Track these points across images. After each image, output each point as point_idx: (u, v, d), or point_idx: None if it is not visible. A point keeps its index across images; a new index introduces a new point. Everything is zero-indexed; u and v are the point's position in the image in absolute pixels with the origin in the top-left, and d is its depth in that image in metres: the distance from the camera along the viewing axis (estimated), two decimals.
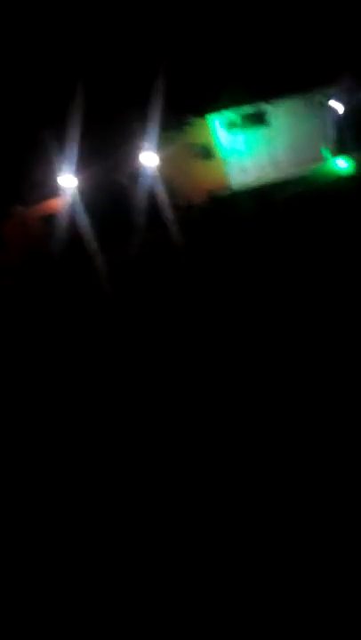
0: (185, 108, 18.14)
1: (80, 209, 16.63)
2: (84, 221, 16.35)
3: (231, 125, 19.35)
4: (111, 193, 17.10)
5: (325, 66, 16.41)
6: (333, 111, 17.48)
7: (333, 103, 17.33)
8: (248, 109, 19.19)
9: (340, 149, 16.55)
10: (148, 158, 17.56)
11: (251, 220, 12.99)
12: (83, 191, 16.85)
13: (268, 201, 14.44)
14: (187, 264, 10.25)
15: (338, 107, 16.94)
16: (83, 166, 16.52)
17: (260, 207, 14.12)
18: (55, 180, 16.76)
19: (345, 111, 16.50)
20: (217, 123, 19.28)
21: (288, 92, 17.90)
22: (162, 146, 17.82)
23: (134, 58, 16.90)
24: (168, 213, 17.13)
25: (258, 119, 19.58)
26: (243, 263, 9.11)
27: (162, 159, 17.83)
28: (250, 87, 17.63)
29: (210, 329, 6.25)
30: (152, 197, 17.04)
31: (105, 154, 16.55)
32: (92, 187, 16.78)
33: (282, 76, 17.28)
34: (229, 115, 19.15)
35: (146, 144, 17.46)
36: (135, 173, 17.53)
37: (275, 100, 18.53)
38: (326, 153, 18.47)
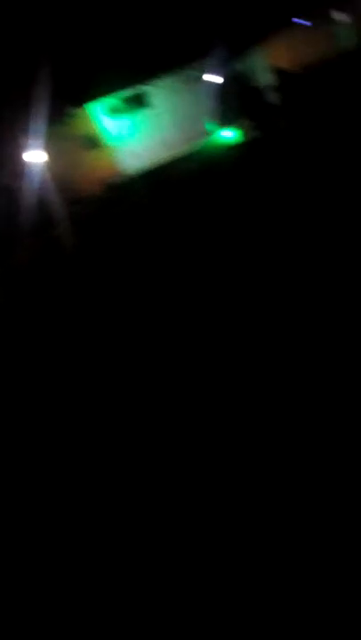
0: (62, 99, 17.42)
1: None
2: None
3: (114, 111, 18.82)
4: None
5: (196, 40, 16.29)
6: (212, 84, 17.40)
7: (210, 76, 17.24)
8: (127, 93, 18.76)
9: (224, 121, 16.53)
10: (34, 156, 16.70)
11: (146, 206, 12.67)
12: None
13: (161, 183, 14.13)
14: (77, 266, 9.82)
15: (215, 79, 16.85)
16: None
17: (154, 191, 13.80)
18: None
19: (223, 82, 16.45)
20: (99, 110, 18.68)
21: (163, 70, 17.65)
22: (47, 141, 17.01)
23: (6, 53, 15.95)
24: (59, 212, 16.42)
25: (139, 101, 19.17)
26: (142, 250, 8.79)
27: (49, 155, 17.02)
28: (124, 70, 17.24)
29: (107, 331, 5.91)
30: (41, 197, 16.23)
31: None
32: None
33: (154, 55, 17.00)
34: (109, 100, 18.61)
35: (29, 141, 16.59)
36: (20, 173, 16.59)
37: (151, 80, 18.22)
38: (212, 126, 18.42)
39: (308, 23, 18.63)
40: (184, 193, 12.32)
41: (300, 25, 18.73)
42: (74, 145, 17.86)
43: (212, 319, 4.96)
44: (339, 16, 18.04)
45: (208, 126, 18.28)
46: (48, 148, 16.96)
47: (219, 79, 16.80)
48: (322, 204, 6.69)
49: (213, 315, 5.02)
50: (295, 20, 18.45)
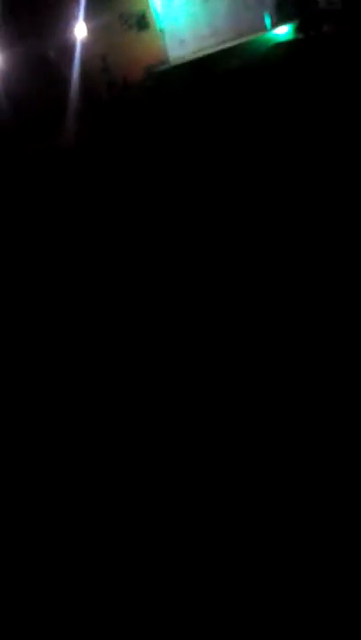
0: None
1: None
2: (5, 104, 14.93)
3: None
4: (37, 70, 15.70)
5: None
6: None
7: None
8: None
9: (281, 16, 15.67)
10: (79, 30, 16.15)
11: (191, 97, 12.44)
12: (3, 69, 15.32)
13: (208, 74, 13.78)
14: (129, 153, 9.64)
15: None
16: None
17: (200, 82, 13.49)
18: None
19: None
20: None
21: None
22: (93, 15, 16.34)
23: None
24: (103, 93, 16.16)
25: None
26: (189, 142, 8.76)
27: (93, 31, 16.42)
28: None
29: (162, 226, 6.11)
30: (85, 75, 15.90)
31: (28, 24, 15.08)
32: (14, 63, 15.29)
33: None
34: None
35: (76, 13, 15.97)
36: (64, 47, 16.15)
37: None
38: (267, 20, 17.44)
39: None
40: (229, 87, 12.08)
41: None
42: (123, 23, 17.13)
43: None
44: None
45: (265, 20, 17.31)
46: (95, 24, 16.38)
47: None
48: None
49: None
50: None
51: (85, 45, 16.30)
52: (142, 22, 17.42)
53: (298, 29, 14.54)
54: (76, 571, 2.39)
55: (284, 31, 15.36)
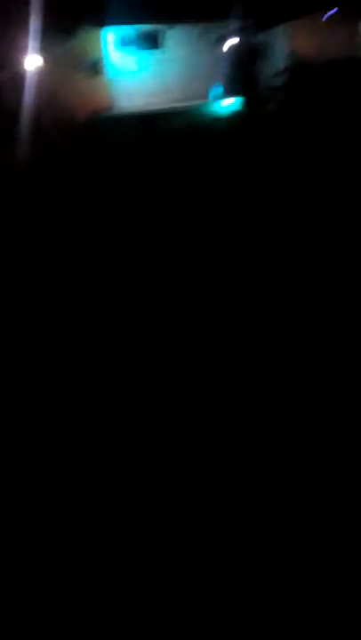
0: (80, 14, 16.82)
1: None
2: None
3: (125, 43, 18.34)
4: None
5: (226, 1, 16.07)
6: (229, 48, 17.25)
7: (230, 40, 17.09)
8: (145, 28, 18.29)
9: (231, 87, 16.49)
10: (32, 61, 16.14)
11: (130, 147, 12.62)
12: None
13: (150, 129, 14.05)
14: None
15: (233, 44, 16.72)
16: None
17: (141, 135, 13.73)
18: None
19: (239, 50, 16.35)
20: (110, 37, 18.16)
21: (185, 17, 17.28)
22: (49, 51, 16.44)
23: None
24: (49, 124, 16.05)
25: (154, 41, 18.75)
26: (122, 191, 8.80)
27: (47, 65, 16.49)
28: (147, 4, 16.78)
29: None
30: (32, 104, 15.78)
31: None
32: None
33: (184, 1, 16.64)
34: (125, 30, 18.11)
35: (31, 44, 15.98)
36: (14, 74, 16.02)
37: (171, 23, 17.82)
38: (218, 90, 18.31)
39: (336, 16, 18.62)
40: (168, 146, 12.35)
41: (331, 16, 18.72)
42: (76, 65, 17.35)
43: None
44: None
45: (214, 88, 18.15)
46: (50, 60, 16.47)
47: (236, 45, 16.65)
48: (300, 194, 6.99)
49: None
50: (327, 10, 18.43)
51: (37, 78, 16.26)
52: (95, 68, 17.75)
53: (243, 104, 15.32)
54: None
55: (230, 102, 16.11)
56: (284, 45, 19.37)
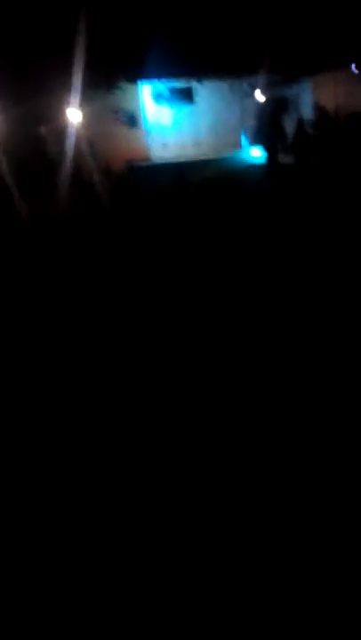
0: (118, 71, 18.11)
1: None
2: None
3: (160, 97, 19.60)
4: (31, 142, 16.71)
5: (253, 57, 17.12)
6: (256, 101, 18.26)
7: (257, 94, 18.10)
8: (178, 84, 19.54)
9: (258, 138, 17.40)
10: (73, 114, 17.36)
11: (163, 195, 13.45)
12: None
13: (183, 178, 14.97)
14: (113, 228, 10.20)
15: (261, 98, 17.73)
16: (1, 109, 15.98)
17: (174, 183, 14.62)
18: None
19: (266, 102, 17.33)
20: (146, 92, 19.43)
21: (216, 74, 18.47)
22: (89, 104, 17.66)
23: (70, 9, 16.35)
24: (87, 173, 17.17)
25: (186, 96, 20.00)
26: (158, 237, 9.37)
27: (86, 118, 17.68)
28: (183, 62, 17.96)
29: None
30: (72, 154, 16.93)
31: (27, 100, 16.12)
32: (10, 132, 16.22)
33: (214, 59, 17.78)
34: (160, 86, 19.38)
35: (72, 99, 17.20)
36: (57, 126, 17.28)
37: (203, 79, 19.03)
38: (244, 142, 19.36)
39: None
40: (200, 195, 13.15)
41: (356, 74, 19.56)
42: (115, 117, 18.57)
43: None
44: None
45: (242, 139, 19.20)
46: (89, 113, 17.64)
47: (263, 99, 17.67)
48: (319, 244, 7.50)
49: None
50: (353, 66, 19.26)
51: (77, 129, 17.46)
52: (132, 121, 19.01)
53: (270, 154, 16.19)
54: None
55: (257, 154, 17.00)
56: (310, 98, 20.43)
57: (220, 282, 6.40)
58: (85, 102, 17.40)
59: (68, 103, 17.16)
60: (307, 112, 20.42)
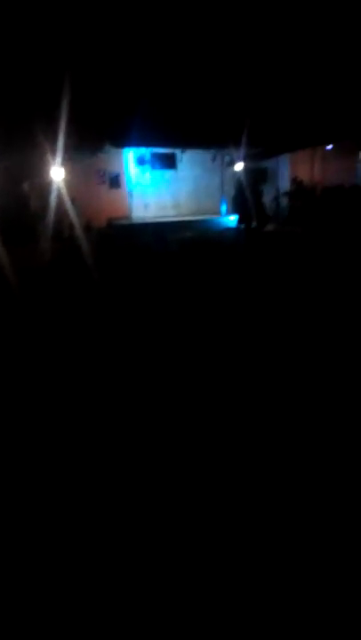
0: (104, 136, 18.77)
1: None
2: None
3: (143, 162, 20.27)
4: (14, 197, 16.97)
5: (235, 131, 17.97)
6: (235, 171, 18.96)
7: (238, 164, 18.82)
8: (162, 150, 20.30)
9: (237, 206, 17.96)
10: (57, 172, 17.76)
11: (142, 251, 13.62)
12: None
13: (163, 237, 15.24)
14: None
15: (239, 167, 18.43)
16: None
17: (154, 241, 14.86)
18: None
19: (246, 173, 17.98)
20: (130, 156, 20.09)
21: (200, 144, 19.27)
22: (73, 164, 18.13)
23: (57, 69, 16.96)
24: (68, 228, 17.38)
25: (170, 162, 20.74)
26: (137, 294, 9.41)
27: (70, 176, 18.10)
28: (167, 132, 18.73)
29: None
30: (55, 210, 17.19)
31: (12, 158, 16.48)
32: None
33: (197, 131, 18.61)
34: (143, 151, 20.08)
35: (57, 158, 17.64)
36: (40, 183, 17.62)
37: (186, 147, 19.82)
38: (223, 207, 19.96)
39: (336, 151, 20.52)
40: (178, 255, 13.34)
41: (331, 150, 20.65)
42: (97, 176, 19.05)
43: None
44: None
45: (221, 205, 19.79)
46: (73, 172, 18.09)
47: (243, 168, 18.34)
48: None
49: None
50: (329, 144, 20.34)
51: (60, 186, 17.80)
52: (115, 181, 19.52)
53: (247, 221, 16.69)
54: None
55: (233, 219, 17.52)
56: (288, 171, 21.37)
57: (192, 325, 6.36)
58: (70, 162, 17.89)
59: (52, 162, 17.60)
60: (285, 184, 21.32)
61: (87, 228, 17.55)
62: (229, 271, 10.21)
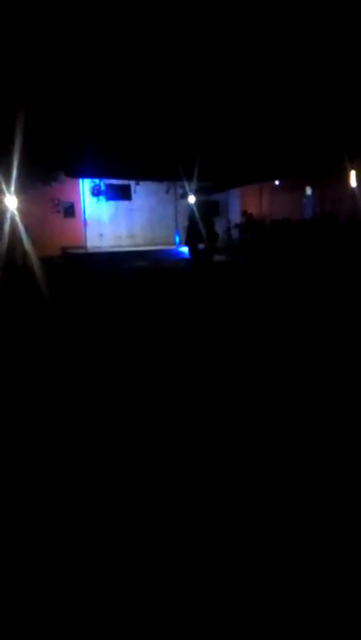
0: (57, 166, 19.00)
1: None
2: None
3: (98, 192, 20.60)
4: None
5: (187, 165, 18.58)
6: (190, 203, 19.50)
7: (191, 196, 19.38)
8: (116, 181, 20.70)
9: (189, 237, 18.43)
10: (9, 201, 17.76)
11: (95, 278, 13.80)
12: None
13: (116, 265, 15.50)
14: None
15: (192, 200, 18.99)
16: None
17: (108, 269, 15.09)
18: None
19: (198, 205, 18.51)
20: (85, 186, 20.39)
21: (153, 176, 19.79)
22: (26, 193, 18.19)
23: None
24: (20, 257, 17.32)
25: (124, 193, 21.17)
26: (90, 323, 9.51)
27: (23, 204, 18.13)
28: (121, 165, 19.15)
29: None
30: (6, 239, 17.13)
31: None
32: None
33: (150, 164, 19.12)
34: (98, 182, 20.43)
35: (9, 187, 17.64)
36: None
37: (140, 179, 20.31)
38: (177, 238, 20.45)
39: (284, 186, 21.39)
40: (129, 280, 13.59)
41: (279, 185, 21.50)
42: (53, 207, 19.20)
43: None
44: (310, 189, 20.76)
45: (174, 236, 20.27)
46: (28, 202, 18.16)
47: (196, 200, 18.90)
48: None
49: None
50: (277, 180, 21.18)
51: (12, 215, 17.80)
52: (69, 211, 19.73)
53: (199, 252, 17.15)
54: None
55: (187, 250, 18.00)
56: (238, 204, 22.15)
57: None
58: (23, 191, 17.94)
59: (5, 190, 17.58)
60: (235, 216, 22.06)
61: (40, 256, 17.54)
62: (174, 298, 10.58)
